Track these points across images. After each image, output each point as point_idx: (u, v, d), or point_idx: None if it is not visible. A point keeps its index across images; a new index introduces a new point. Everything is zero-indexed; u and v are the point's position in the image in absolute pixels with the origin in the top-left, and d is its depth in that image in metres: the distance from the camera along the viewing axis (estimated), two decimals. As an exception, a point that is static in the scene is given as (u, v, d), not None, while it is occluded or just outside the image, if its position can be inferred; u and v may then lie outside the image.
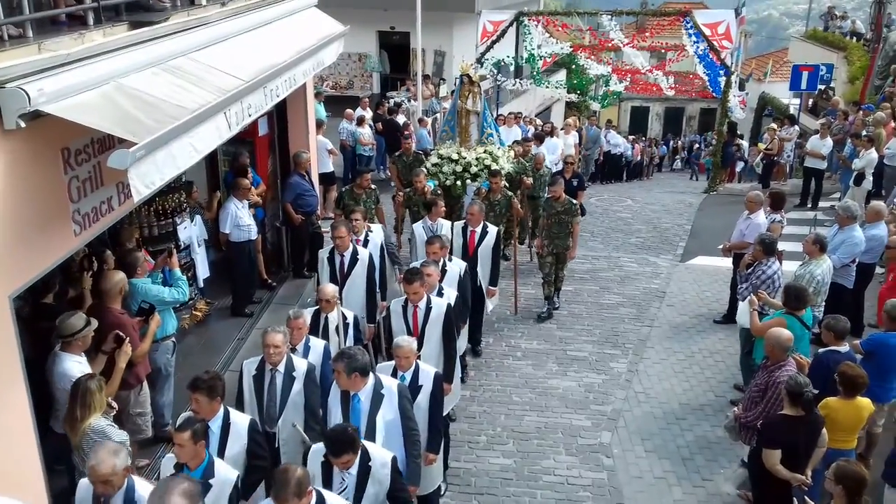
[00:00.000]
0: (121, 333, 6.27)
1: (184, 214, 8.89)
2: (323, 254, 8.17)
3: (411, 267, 7.23)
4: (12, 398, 4.77)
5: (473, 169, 11.21)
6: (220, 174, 10.67)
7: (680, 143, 34.95)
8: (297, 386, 5.89)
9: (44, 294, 6.36)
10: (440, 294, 7.19)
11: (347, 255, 7.94)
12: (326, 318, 6.94)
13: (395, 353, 5.90)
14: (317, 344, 6.45)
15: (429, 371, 5.96)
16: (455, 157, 11.34)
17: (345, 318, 7.01)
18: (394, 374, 5.84)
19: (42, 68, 4.59)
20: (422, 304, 6.79)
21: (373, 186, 10.25)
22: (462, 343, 8.28)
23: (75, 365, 5.74)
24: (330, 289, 6.96)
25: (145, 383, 6.83)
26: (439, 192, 10.57)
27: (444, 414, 6.82)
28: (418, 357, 6.17)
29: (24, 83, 4.36)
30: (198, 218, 9.25)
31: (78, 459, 5.29)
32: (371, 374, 5.37)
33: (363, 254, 8.03)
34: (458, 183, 11.23)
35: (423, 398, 5.83)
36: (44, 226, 4.92)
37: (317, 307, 7.02)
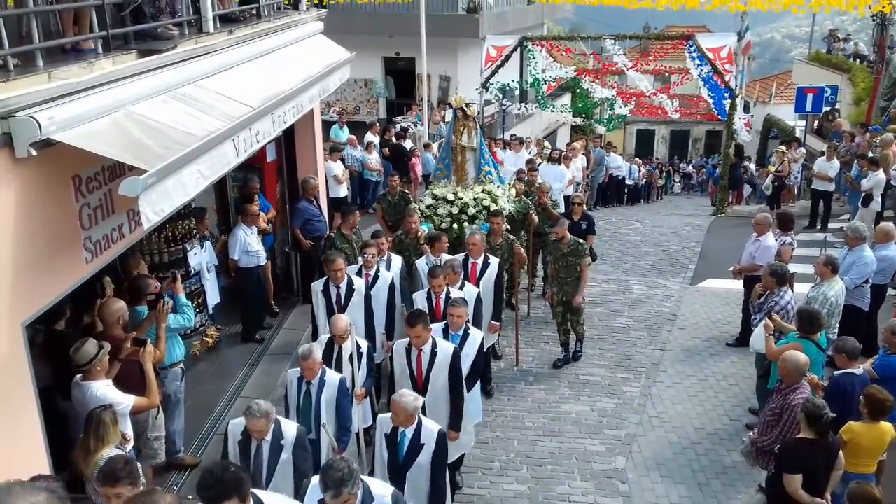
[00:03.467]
0: (139, 336, 6.40)
1: (194, 241, 8.89)
2: (317, 286, 7.93)
3: (414, 309, 6.98)
4: (26, 427, 4.73)
5: (471, 210, 10.22)
6: (230, 200, 10.69)
7: (672, 167, 34.78)
8: (285, 455, 5.50)
9: (55, 321, 6.34)
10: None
11: (343, 286, 7.76)
12: (340, 348, 6.80)
13: (393, 409, 5.51)
14: (332, 377, 6.30)
15: (432, 428, 5.60)
16: (451, 197, 10.31)
17: (359, 347, 6.84)
18: (393, 430, 5.56)
19: (52, 97, 4.60)
20: (426, 348, 6.39)
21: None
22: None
23: (106, 389, 5.79)
24: (342, 323, 6.72)
25: (160, 407, 6.78)
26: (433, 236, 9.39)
27: (453, 460, 6.61)
28: (423, 412, 6.05)
29: (35, 112, 4.37)
30: (208, 244, 9.25)
31: (91, 490, 5.23)
32: (360, 487, 4.50)
33: (359, 284, 7.86)
34: (455, 226, 10.16)
35: (424, 457, 5.55)
36: (55, 253, 4.91)
37: (329, 336, 6.88)
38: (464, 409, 6.59)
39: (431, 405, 6.34)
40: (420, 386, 6.38)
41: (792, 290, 8.19)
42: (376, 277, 8.19)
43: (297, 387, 6.30)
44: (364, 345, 7.00)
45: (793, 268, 8.60)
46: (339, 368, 6.74)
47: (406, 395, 5.50)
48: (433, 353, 6.39)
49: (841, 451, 5.74)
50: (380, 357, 8.01)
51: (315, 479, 4.56)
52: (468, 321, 7.09)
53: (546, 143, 21.59)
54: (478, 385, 7.37)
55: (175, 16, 6.69)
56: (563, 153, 16.21)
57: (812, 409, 5.53)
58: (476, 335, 6.95)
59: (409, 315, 6.59)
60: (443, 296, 7.60)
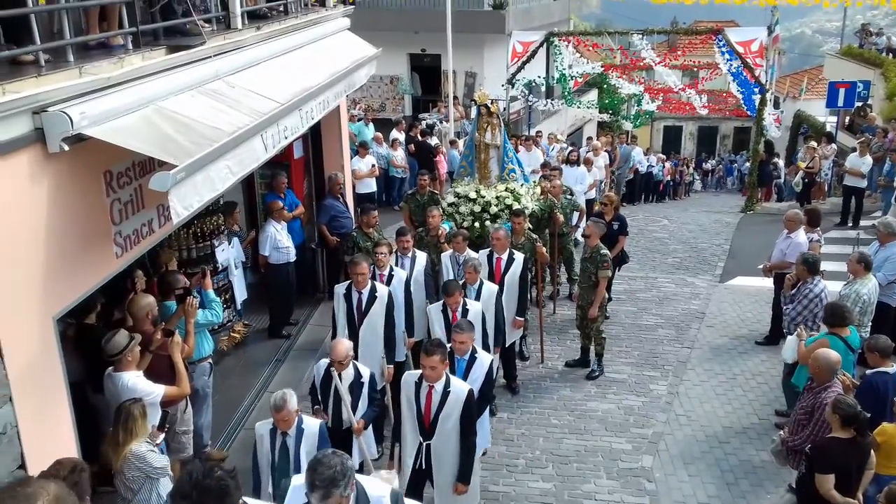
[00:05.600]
0: (168, 328, 6.44)
1: (222, 237, 8.95)
2: (339, 289, 7.69)
3: (435, 338, 6.57)
4: (57, 419, 4.79)
5: (493, 209, 10.02)
6: (258, 197, 10.75)
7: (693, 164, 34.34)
8: None
9: (86, 315, 6.41)
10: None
11: (366, 292, 7.49)
12: (340, 375, 6.24)
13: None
14: (311, 425, 5.62)
15: None
16: (473, 195, 10.14)
17: (360, 375, 6.36)
18: None
19: (83, 92, 4.64)
20: (438, 387, 5.72)
21: (378, 223, 9.71)
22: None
23: (137, 379, 5.84)
24: (343, 348, 6.23)
25: (188, 401, 6.83)
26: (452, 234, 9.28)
27: None
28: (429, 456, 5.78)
29: (67, 107, 4.41)
30: (235, 240, 9.31)
31: (119, 483, 5.28)
32: (354, 489, 3.83)
33: (382, 291, 7.59)
34: (476, 225, 10.00)
35: None
36: (86, 248, 4.95)
37: (329, 362, 6.33)
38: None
39: (438, 449, 5.86)
40: (427, 427, 5.82)
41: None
42: (391, 277, 8.06)
43: (269, 441, 5.56)
44: (366, 374, 6.43)
45: (822, 265, 8.47)
46: (337, 398, 6.25)
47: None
48: (445, 393, 5.74)
49: (873, 452, 5.66)
50: (379, 384, 7.07)
51: (298, 478, 3.90)
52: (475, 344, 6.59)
53: (559, 136, 21.19)
54: (486, 412, 6.78)
55: (204, 12, 6.74)
56: (582, 153, 15.97)
57: (847, 410, 5.44)
58: (484, 359, 6.47)
59: (428, 343, 5.88)
60: (459, 311, 7.38)
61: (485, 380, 6.39)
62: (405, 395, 5.90)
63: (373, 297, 7.53)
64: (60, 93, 4.47)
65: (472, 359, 6.41)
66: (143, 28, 5.66)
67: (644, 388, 9.10)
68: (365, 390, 6.35)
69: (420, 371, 5.80)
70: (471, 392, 5.80)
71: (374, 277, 7.92)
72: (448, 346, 6.35)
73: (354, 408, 6.25)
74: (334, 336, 7.58)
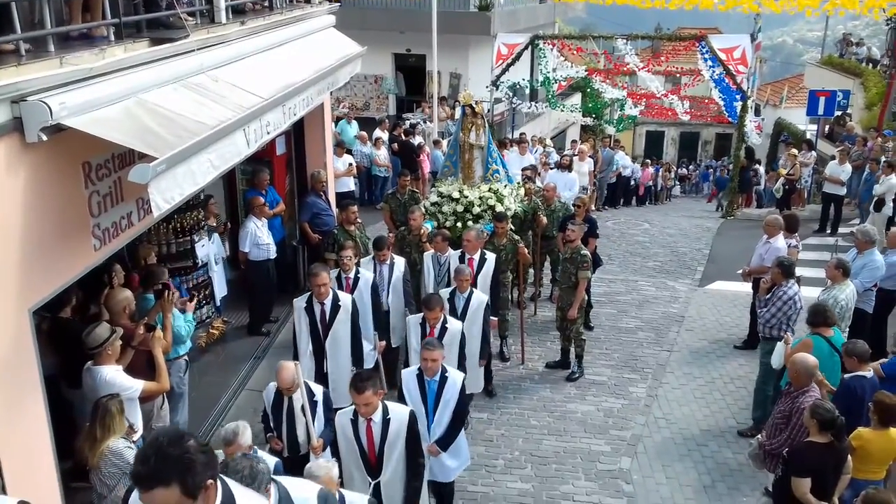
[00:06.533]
0: (149, 323, 6.43)
1: (202, 232, 8.88)
2: (299, 303, 7.34)
3: (358, 372, 6.08)
4: (31, 413, 4.71)
5: (476, 209, 9.98)
6: (238, 193, 10.69)
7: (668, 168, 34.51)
8: None
9: (61, 309, 6.33)
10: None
11: (328, 302, 7.20)
12: (290, 399, 6.02)
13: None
14: (267, 461, 4.84)
15: None
16: (456, 195, 10.11)
17: (312, 395, 6.07)
18: None
19: (64, 82, 4.57)
20: (377, 418, 5.34)
21: (359, 220, 9.71)
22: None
23: (116, 374, 5.79)
24: (288, 375, 5.88)
25: (165, 398, 6.76)
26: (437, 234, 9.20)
27: None
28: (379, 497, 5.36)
29: (46, 97, 4.34)
30: (215, 236, 9.24)
31: (95, 480, 5.22)
32: (273, 493, 3.58)
33: (345, 299, 7.33)
34: (459, 225, 9.93)
35: None
36: (64, 240, 4.88)
37: (277, 386, 6.06)
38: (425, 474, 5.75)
39: (389, 486, 5.50)
40: (373, 464, 5.46)
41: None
42: (357, 281, 7.93)
43: None
44: (319, 392, 6.19)
45: (800, 271, 8.54)
46: (290, 422, 6.07)
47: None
48: (385, 422, 5.38)
49: (849, 456, 5.70)
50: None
51: None
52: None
53: (548, 142, 21.19)
54: (462, 432, 6.43)
55: (188, 5, 6.68)
56: (573, 156, 15.97)
57: (824, 415, 5.48)
58: (456, 378, 6.18)
59: (354, 377, 5.43)
60: (437, 327, 7.08)
61: (458, 399, 6.15)
62: (343, 437, 5.49)
63: (336, 306, 7.27)
64: (40, 82, 4.40)
65: (444, 378, 6.13)
66: (126, 19, 5.60)
67: (623, 391, 9.12)
68: (319, 410, 6.07)
69: (352, 408, 5.42)
70: (412, 414, 5.54)
71: (340, 280, 7.83)
72: (417, 367, 6.19)
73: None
74: (296, 356, 7.19)
